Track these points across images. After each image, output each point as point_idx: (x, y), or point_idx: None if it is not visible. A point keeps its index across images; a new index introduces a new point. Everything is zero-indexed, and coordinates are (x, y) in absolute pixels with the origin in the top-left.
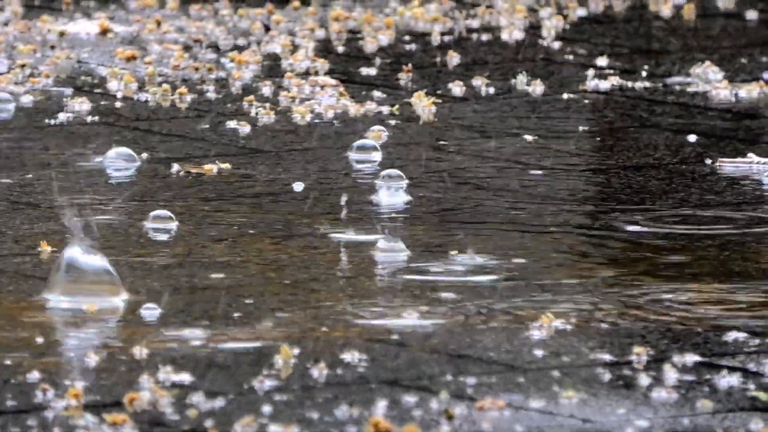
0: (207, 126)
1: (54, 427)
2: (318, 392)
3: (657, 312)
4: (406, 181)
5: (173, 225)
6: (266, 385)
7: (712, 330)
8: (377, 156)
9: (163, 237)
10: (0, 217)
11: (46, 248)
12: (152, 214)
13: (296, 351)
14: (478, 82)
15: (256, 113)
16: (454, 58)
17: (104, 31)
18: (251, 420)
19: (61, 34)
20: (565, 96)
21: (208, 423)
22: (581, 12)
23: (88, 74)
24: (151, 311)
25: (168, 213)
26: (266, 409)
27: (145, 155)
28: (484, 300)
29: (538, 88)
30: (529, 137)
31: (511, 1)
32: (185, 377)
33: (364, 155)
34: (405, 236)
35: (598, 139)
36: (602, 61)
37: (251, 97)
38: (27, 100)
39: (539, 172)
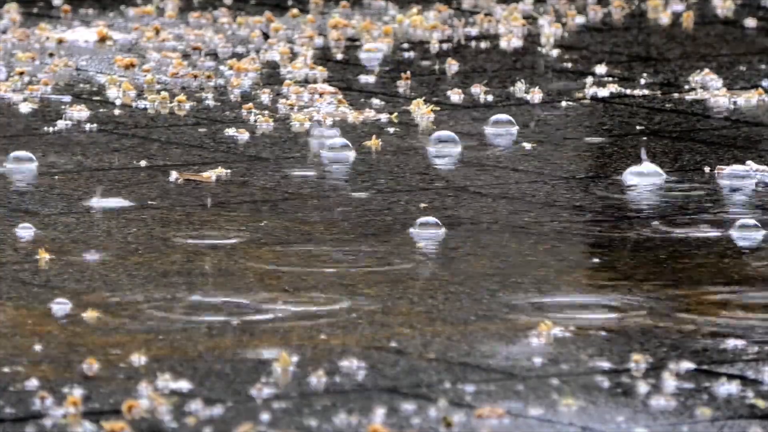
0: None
1: None
2: (316, 400)
3: (656, 319)
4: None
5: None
6: (265, 392)
7: (711, 337)
8: (351, 155)
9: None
10: None
11: (44, 256)
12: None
13: (295, 358)
14: (477, 89)
15: (255, 120)
16: (452, 66)
17: (103, 39)
18: (250, 427)
19: (60, 41)
20: (564, 104)
21: (207, 430)
22: (580, 20)
23: (86, 82)
24: (148, 318)
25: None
26: (265, 416)
27: (143, 163)
28: (482, 307)
29: (536, 95)
30: (527, 145)
31: (509, 9)
32: (184, 384)
33: (337, 154)
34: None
35: (597, 146)
36: (601, 69)
37: (250, 104)
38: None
39: (538, 179)
